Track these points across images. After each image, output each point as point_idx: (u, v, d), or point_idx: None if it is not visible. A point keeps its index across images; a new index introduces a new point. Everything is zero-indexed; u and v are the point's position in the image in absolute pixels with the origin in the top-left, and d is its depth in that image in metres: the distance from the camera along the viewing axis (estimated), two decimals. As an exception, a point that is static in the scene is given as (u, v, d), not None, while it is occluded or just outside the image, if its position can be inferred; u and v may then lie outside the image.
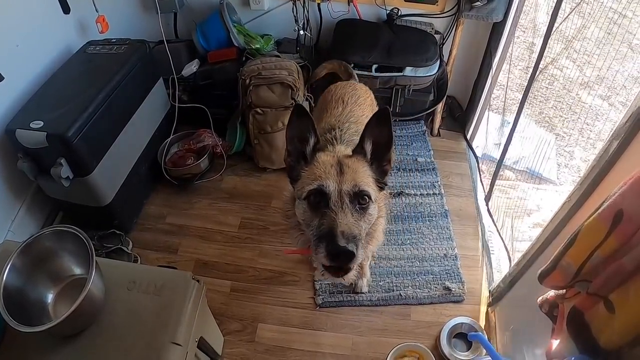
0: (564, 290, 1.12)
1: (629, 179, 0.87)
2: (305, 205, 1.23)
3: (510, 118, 3.05)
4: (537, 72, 2.04)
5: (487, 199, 2.66)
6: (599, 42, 2.40)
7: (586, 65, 3.07)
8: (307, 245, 1.44)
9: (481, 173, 2.83)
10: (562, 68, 3.59)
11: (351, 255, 1.10)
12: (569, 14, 2.09)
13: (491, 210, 2.62)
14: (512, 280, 1.97)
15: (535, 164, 3.03)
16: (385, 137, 1.27)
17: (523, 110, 2.21)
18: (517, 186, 3.01)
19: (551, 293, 1.19)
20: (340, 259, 1.12)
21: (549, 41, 1.96)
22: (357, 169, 1.23)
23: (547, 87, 3.51)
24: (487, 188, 2.68)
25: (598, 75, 3.13)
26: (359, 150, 1.28)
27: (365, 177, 1.24)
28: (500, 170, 2.55)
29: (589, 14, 2.42)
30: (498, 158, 2.51)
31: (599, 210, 0.93)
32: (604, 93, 3.63)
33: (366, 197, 1.21)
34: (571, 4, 2.04)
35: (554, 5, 1.88)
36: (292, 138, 1.28)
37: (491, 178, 2.60)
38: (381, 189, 1.31)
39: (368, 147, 1.28)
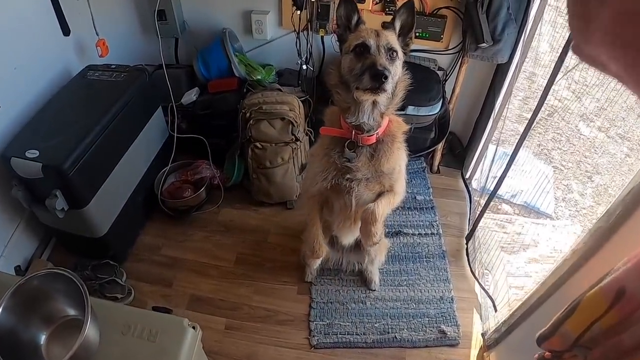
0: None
1: (634, 257, 0.88)
2: (352, 55, 1.56)
3: (509, 150, 3.09)
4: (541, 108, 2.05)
5: (468, 237, 2.69)
6: (597, 72, 2.45)
7: (585, 96, 3.12)
8: (339, 119, 1.72)
9: (471, 212, 2.85)
10: (561, 99, 3.64)
11: (387, 76, 1.46)
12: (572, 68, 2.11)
13: (470, 251, 2.64)
14: (508, 329, 1.98)
15: (533, 197, 3.06)
16: (409, 22, 1.65)
17: (522, 142, 2.21)
18: (514, 220, 3.04)
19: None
20: (379, 78, 1.46)
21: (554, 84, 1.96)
22: (389, 35, 1.58)
23: (546, 119, 3.57)
24: (470, 225, 2.69)
25: (597, 107, 3.18)
26: (389, 25, 1.63)
27: (395, 41, 1.60)
28: (497, 204, 2.57)
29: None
30: (491, 191, 2.52)
31: (601, 284, 0.95)
32: (602, 125, 3.67)
33: (395, 52, 1.58)
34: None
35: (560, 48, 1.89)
36: (340, 16, 1.65)
37: (477, 213, 2.59)
38: (405, 54, 1.66)
39: (397, 25, 1.64)
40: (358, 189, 1.77)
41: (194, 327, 1.83)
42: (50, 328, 1.62)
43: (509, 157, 2.24)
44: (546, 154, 3.44)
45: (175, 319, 1.82)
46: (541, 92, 2.03)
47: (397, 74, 1.62)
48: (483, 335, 2.25)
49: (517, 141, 2.19)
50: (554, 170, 3.40)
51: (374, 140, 1.68)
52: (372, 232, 1.77)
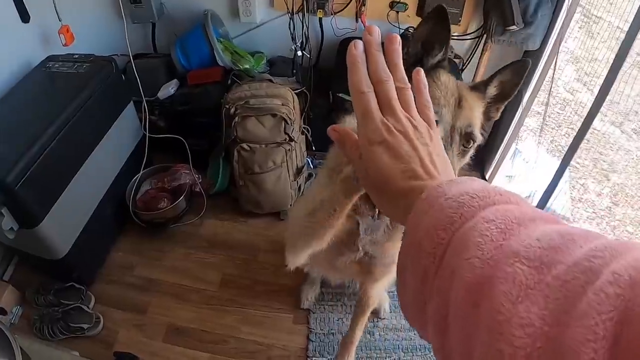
0: None
1: None
2: None
3: (523, 147, 2.82)
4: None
5: None
6: (608, 63, 2.21)
7: (597, 88, 2.92)
8: None
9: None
10: (572, 92, 3.41)
11: None
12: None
13: None
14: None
15: (548, 198, 2.80)
16: (511, 87, 1.14)
17: (535, 139, 1.93)
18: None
19: None
20: None
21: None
22: (474, 107, 1.09)
23: (558, 113, 3.33)
24: None
25: (610, 100, 2.96)
26: (481, 88, 1.12)
27: (478, 119, 1.11)
28: None
29: (598, 33, 2.36)
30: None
31: None
32: (616, 119, 3.48)
33: (472, 141, 1.08)
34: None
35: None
36: (417, 40, 1.09)
37: None
38: (482, 136, 1.17)
39: (492, 91, 1.13)
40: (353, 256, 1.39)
41: None
42: None
43: (520, 153, 1.96)
44: (560, 151, 3.20)
45: None
46: (554, 84, 1.71)
47: (465, 162, 1.17)
48: None
49: (566, 150, 1.90)
50: (569, 169, 3.17)
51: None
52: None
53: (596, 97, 1.81)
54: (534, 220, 0.42)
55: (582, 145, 3.41)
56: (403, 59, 1.06)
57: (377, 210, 1.22)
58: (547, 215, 0.45)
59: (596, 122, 3.55)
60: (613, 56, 1.98)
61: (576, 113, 3.42)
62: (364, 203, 1.23)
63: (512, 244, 0.39)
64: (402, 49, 1.08)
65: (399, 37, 0.67)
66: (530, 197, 2.82)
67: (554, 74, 2.24)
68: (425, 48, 1.05)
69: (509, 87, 1.13)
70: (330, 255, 1.44)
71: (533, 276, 0.36)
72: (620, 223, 3.04)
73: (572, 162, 3.28)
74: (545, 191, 2.09)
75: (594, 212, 3.09)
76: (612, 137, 3.55)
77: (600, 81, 2.70)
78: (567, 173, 3.11)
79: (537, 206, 2.06)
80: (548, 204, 2.75)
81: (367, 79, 0.59)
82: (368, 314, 1.77)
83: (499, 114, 1.16)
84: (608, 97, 2.60)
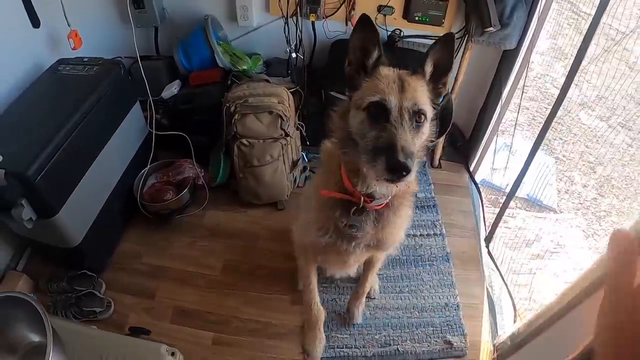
0: None
1: None
2: (364, 115, 1.24)
3: (510, 140, 2.95)
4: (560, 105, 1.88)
5: (488, 239, 2.52)
6: (597, 59, 2.36)
7: (585, 84, 3.00)
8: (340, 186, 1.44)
9: (484, 209, 2.68)
10: (560, 87, 3.53)
11: (408, 170, 1.14)
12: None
13: (494, 255, 2.46)
14: (522, 340, 1.82)
15: (535, 190, 2.94)
16: (445, 61, 1.31)
17: (522, 134, 2.07)
18: (516, 215, 2.93)
19: None
20: (398, 173, 1.15)
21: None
22: (416, 88, 1.25)
23: (546, 108, 3.47)
24: (488, 227, 2.53)
25: (597, 95, 3.08)
26: (419, 70, 1.29)
27: (424, 96, 1.26)
28: (499, 198, 2.45)
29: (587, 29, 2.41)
30: (507, 191, 2.37)
31: None
32: (603, 114, 3.59)
33: (423, 116, 1.24)
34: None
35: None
36: (354, 49, 1.28)
37: (495, 214, 2.43)
38: (435, 109, 1.34)
39: (428, 68, 1.29)
40: (356, 251, 1.59)
41: (172, 354, 1.69)
42: (15, 357, 1.51)
43: (509, 147, 2.10)
44: (547, 144, 3.33)
45: (151, 345, 1.69)
46: (542, 81, 1.86)
47: (422, 140, 1.30)
48: (494, 345, 2.11)
49: (536, 137, 2.09)
50: (556, 161, 3.29)
51: (383, 206, 1.43)
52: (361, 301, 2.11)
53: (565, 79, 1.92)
54: None
55: (569, 139, 3.57)
56: (347, 69, 1.29)
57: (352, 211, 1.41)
58: None
59: (583, 117, 3.69)
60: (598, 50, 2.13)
61: (564, 108, 3.55)
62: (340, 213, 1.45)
63: None
64: (344, 61, 1.29)
65: None
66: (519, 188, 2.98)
67: (526, 71, 2.40)
68: (363, 53, 1.24)
69: (445, 61, 1.30)
70: (339, 256, 1.67)
71: None
72: (606, 213, 3.17)
73: (558, 155, 3.44)
74: (518, 174, 2.23)
75: (580, 203, 3.22)
76: (599, 131, 3.68)
77: (588, 77, 2.82)
78: (552, 165, 3.27)
79: (510, 190, 2.23)
80: (533, 193, 2.91)
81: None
82: (377, 270, 1.88)
83: (446, 88, 1.34)
84: (595, 93, 2.74)
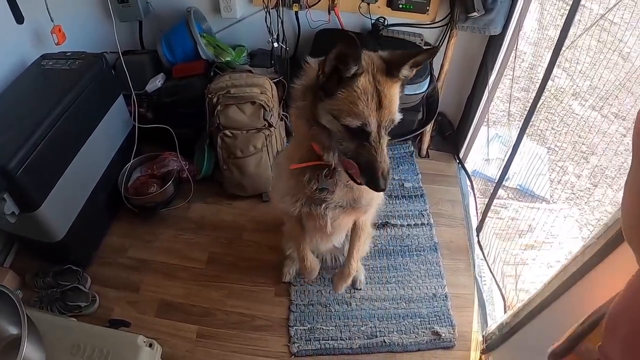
0: None
1: None
2: (342, 128, 1.25)
3: (500, 131, 2.95)
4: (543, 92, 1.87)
5: (479, 229, 2.52)
6: (589, 49, 2.36)
7: (577, 74, 2.99)
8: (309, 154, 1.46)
9: (476, 199, 2.68)
10: (552, 77, 3.53)
11: (385, 189, 1.27)
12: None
13: (483, 244, 2.46)
14: (510, 330, 1.84)
15: (527, 180, 2.93)
16: (422, 62, 1.32)
17: (514, 124, 2.06)
18: (508, 205, 2.91)
19: None
20: (380, 189, 1.27)
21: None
22: (392, 98, 1.26)
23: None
24: (479, 216, 2.52)
25: (590, 85, 3.06)
26: (395, 73, 1.27)
27: (397, 104, 1.29)
28: (490, 188, 2.44)
29: (579, 20, 2.39)
30: (497, 179, 2.36)
31: None
32: (596, 104, 3.59)
33: (393, 124, 1.30)
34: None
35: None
36: (331, 60, 1.22)
37: (485, 204, 2.43)
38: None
39: (406, 72, 1.29)
40: (332, 214, 1.60)
41: (150, 345, 1.70)
42: None
43: (500, 138, 2.09)
44: (539, 135, 3.31)
45: (129, 337, 1.73)
46: (532, 71, 1.86)
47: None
48: (483, 336, 2.11)
49: (520, 125, 2.11)
50: (548, 152, 3.28)
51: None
52: (347, 281, 1.91)
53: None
54: None
55: (562, 129, 3.55)
56: (320, 78, 1.26)
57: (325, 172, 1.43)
58: None
59: (576, 107, 3.67)
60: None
61: (555, 98, 3.53)
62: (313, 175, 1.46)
63: None
64: (317, 70, 1.28)
65: None
66: (511, 178, 2.98)
67: (515, 56, 2.40)
68: (342, 63, 1.19)
69: (421, 66, 1.32)
70: (316, 222, 1.67)
71: None
72: (600, 204, 3.14)
73: (550, 145, 3.42)
74: (506, 162, 2.23)
75: (572, 193, 3.19)
76: (593, 121, 3.67)
77: (580, 67, 2.81)
78: (545, 155, 3.25)
79: (499, 175, 2.22)
80: (525, 184, 2.89)
81: None
82: (363, 239, 1.85)
83: (412, 74, 1.33)
84: (588, 82, 2.72)
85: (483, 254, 2.43)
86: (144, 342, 1.70)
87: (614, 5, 2.01)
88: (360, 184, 1.32)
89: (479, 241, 2.50)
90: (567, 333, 0.96)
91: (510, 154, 2.18)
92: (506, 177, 2.29)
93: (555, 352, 0.97)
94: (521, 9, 2.31)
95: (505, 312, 2.12)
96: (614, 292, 0.82)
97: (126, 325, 2.06)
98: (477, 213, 2.65)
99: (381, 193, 1.60)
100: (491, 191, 2.39)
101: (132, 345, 1.64)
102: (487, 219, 2.46)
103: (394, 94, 1.27)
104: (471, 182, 2.78)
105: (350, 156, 1.28)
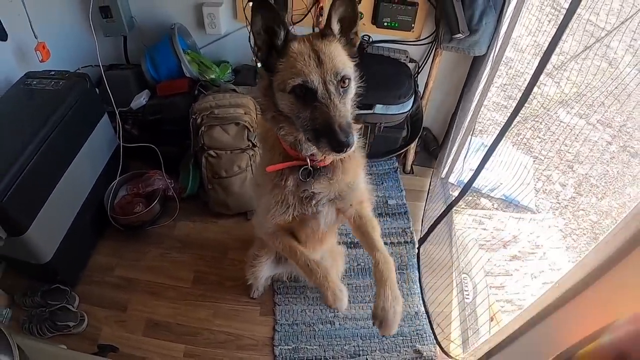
0: None
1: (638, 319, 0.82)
2: (292, 97, 1.30)
3: (486, 140, 3.03)
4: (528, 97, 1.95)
5: (422, 241, 2.61)
6: (576, 56, 2.46)
7: (564, 81, 3.06)
8: (284, 155, 1.51)
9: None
10: (539, 85, 3.58)
11: (351, 144, 1.25)
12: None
13: (422, 258, 2.57)
14: (491, 351, 1.93)
15: (512, 190, 3.03)
16: (350, 13, 1.34)
17: (499, 132, 2.11)
18: (493, 215, 3.01)
19: None
20: (342, 149, 1.26)
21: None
22: (332, 54, 1.29)
23: (526, 106, 3.51)
24: (425, 227, 2.60)
25: (576, 92, 3.13)
26: (328, 31, 1.33)
27: (341, 59, 1.32)
28: (476, 199, 2.51)
29: (568, 27, 2.45)
30: (485, 191, 2.44)
31: (600, 341, 0.89)
32: (582, 111, 3.65)
33: (347, 79, 1.31)
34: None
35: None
36: (258, 32, 1.31)
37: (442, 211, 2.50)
38: (353, 58, 1.40)
39: (335, 27, 1.34)
40: (325, 211, 1.65)
41: None
42: None
43: (487, 148, 2.14)
44: (525, 144, 3.41)
45: None
46: (520, 78, 1.91)
47: (352, 96, 1.39)
48: (467, 353, 2.21)
49: (498, 132, 2.10)
50: (534, 161, 3.37)
51: (331, 159, 1.50)
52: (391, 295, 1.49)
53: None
54: None
55: (547, 137, 3.63)
56: (255, 52, 1.33)
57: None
58: None
59: (562, 115, 3.75)
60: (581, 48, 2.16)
61: (542, 106, 3.60)
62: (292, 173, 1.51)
63: None
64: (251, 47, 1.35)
65: None
66: (496, 189, 3.08)
67: (494, 73, 2.47)
68: (268, 33, 1.28)
69: (349, 13, 1.34)
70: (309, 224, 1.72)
71: None
72: (584, 212, 3.25)
73: (536, 154, 3.51)
74: (477, 165, 2.22)
75: (557, 202, 3.30)
76: (579, 128, 3.73)
77: (567, 74, 2.86)
78: (530, 164, 3.34)
79: (466, 183, 2.28)
80: (510, 194, 2.97)
81: None
82: (378, 229, 1.74)
83: (359, 37, 1.40)
84: (575, 90, 2.79)
85: (418, 268, 2.55)
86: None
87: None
88: (336, 155, 1.33)
89: (418, 254, 2.60)
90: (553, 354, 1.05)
91: (483, 159, 2.19)
92: (477, 181, 2.29)
93: None
94: (507, 29, 2.39)
95: (490, 325, 2.23)
96: (587, 322, 0.92)
97: (114, 351, 2.17)
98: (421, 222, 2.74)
99: (363, 174, 1.67)
100: (478, 203, 2.47)
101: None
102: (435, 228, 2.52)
103: (334, 49, 1.31)
104: (428, 194, 2.88)
105: (309, 126, 1.30)
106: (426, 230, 2.58)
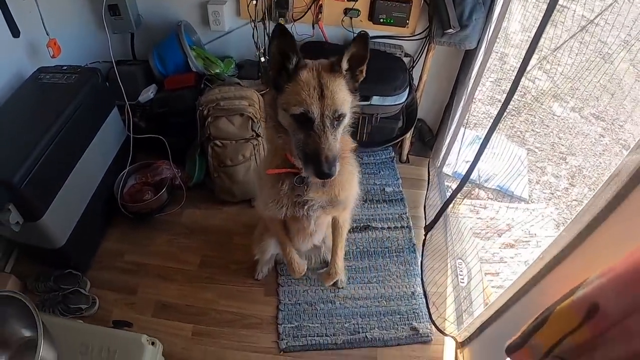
0: None
1: (609, 271, 0.89)
2: (291, 120, 1.44)
3: (481, 133, 3.16)
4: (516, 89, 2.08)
5: (429, 227, 2.75)
6: (571, 51, 2.52)
7: (558, 75, 3.17)
8: (282, 161, 1.67)
9: (426, 200, 2.92)
10: (533, 79, 3.68)
11: (332, 176, 1.44)
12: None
13: (428, 244, 2.70)
14: (482, 326, 2.06)
15: (507, 181, 3.14)
16: (360, 54, 1.46)
17: (492, 123, 2.22)
18: (488, 205, 3.12)
19: None
20: (324, 178, 1.45)
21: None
22: (335, 90, 1.42)
23: (519, 100, 3.62)
24: (432, 214, 2.75)
25: (571, 87, 3.24)
26: (337, 68, 1.44)
27: (342, 97, 1.45)
28: (471, 189, 2.62)
29: (562, 22, 2.53)
30: (480, 181, 2.57)
31: (573, 297, 0.96)
32: (576, 105, 3.75)
33: (342, 116, 1.46)
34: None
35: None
36: (274, 54, 1.42)
37: (445, 200, 2.64)
38: (354, 93, 1.53)
39: (345, 65, 1.45)
40: (315, 215, 1.83)
41: (152, 343, 1.92)
42: (9, 352, 1.69)
43: (481, 140, 2.27)
44: (519, 136, 3.51)
45: (133, 336, 1.91)
46: (514, 73, 2.03)
47: (343, 129, 1.54)
48: (460, 330, 2.32)
49: (490, 124, 2.23)
50: (528, 153, 3.48)
51: None
52: (334, 278, 2.12)
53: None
54: None
55: (541, 130, 3.76)
56: (270, 73, 1.49)
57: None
58: None
59: (556, 108, 3.88)
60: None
61: (536, 100, 3.72)
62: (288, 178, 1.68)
63: None
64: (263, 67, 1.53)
65: None
66: (491, 179, 3.21)
67: (485, 68, 2.62)
68: (282, 56, 1.41)
69: (359, 54, 1.46)
70: (299, 223, 1.92)
71: None
72: (577, 203, 3.35)
73: (530, 147, 3.64)
74: (473, 160, 2.38)
75: (551, 192, 3.41)
76: (570, 121, 3.86)
77: (562, 69, 2.94)
78: (524, 156, 3.48)
79: (464, 175, 2.42)
80: (504, 184, 3.09)
81: None
82: (344, 234, 2.06)
83: (363, 74, 1.52)
84: (570, 84, 2.90)
85: (423, 253, 2.69)
86: (147, 340, 1.91)
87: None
88: (310, 174, 1.52)
89: (424, 240, 2.74)
90: (522, 328, 1.11)
91: (478, 152, 2.33)
92: (473, 172, 2.45)
93: (511, 345, 1.12)
94: (495, 23, 2.52)
95: (484, 308, 2.36)
96: (568, 288, 1.01)
97: (129, 326, 2.27)
98: (424, 210, 2.89)
99: (356, 189, 1.85)
100: (474, 194, 2.60)
101: (137, 344, 1.84)
102: (441, 217, 2.67)
103: (337, 86, 1.43)
104: (428, 184, 3.02)
105: (301, 147, 1.45)
106: (432, 217, 2.73)
